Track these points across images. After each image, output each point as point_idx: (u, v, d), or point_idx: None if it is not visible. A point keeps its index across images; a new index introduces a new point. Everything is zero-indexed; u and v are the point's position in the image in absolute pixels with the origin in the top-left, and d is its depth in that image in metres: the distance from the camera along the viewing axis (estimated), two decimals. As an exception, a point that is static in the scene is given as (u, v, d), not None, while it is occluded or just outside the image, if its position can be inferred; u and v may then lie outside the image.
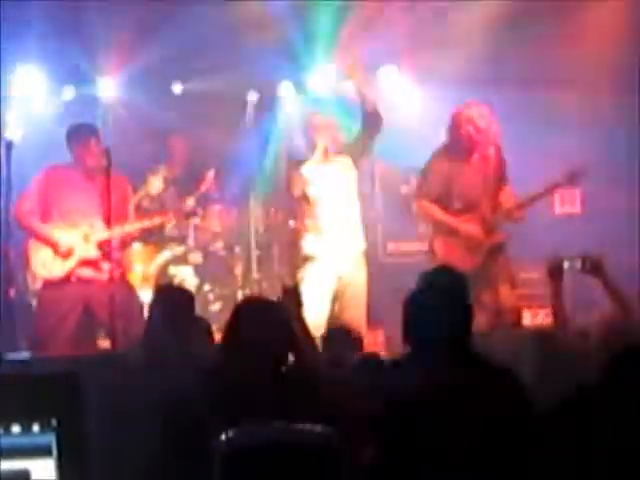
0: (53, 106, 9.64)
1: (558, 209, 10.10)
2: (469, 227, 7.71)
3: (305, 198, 7.72)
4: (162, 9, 9.13)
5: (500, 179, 7.84)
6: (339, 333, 6.02)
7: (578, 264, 5.42)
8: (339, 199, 7.73)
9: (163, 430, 4.15)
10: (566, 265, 5.42)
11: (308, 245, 7.77)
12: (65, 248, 7.63)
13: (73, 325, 7.59)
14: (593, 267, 5.44)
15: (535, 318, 9.35)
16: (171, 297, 5.30)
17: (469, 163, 7.75)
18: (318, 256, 7.68)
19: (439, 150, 7.87)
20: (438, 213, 7.76)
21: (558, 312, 5.43)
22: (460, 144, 7.73)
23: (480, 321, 7.30)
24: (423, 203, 7.80)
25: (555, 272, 5.48)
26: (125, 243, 8.10)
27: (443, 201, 7.75)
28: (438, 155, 7.87)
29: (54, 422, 3.43)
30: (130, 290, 7.92)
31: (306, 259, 7.75)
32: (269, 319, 4.25)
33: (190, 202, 9.10)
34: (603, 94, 9.24)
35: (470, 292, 5.44)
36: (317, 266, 7.67)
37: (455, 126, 7.74)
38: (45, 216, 7.70)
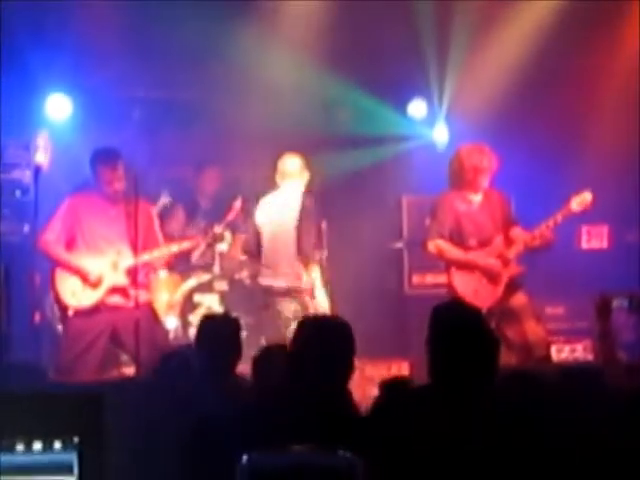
0: (82, 132, 9.66)
1: (585, 244, 10.05)
2: (488, 260, 7.68)
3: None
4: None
5: (508, 216, 7.84)
6: None
7: (625, 303, 5.31)
8: None
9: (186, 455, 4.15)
10: (615, 304, 5.31)
11: None
12: (95, 277, 7.60)
13: (100, 352, 7.60)
14: None
15: (560, 353, 9.29)
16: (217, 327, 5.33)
17: (476, 200, 7.77)
18: None
19: (446, 189, 7.89)
20: (455, 252, 7.73)
21: (607, 350, 5.30)
22: (464, 182, 7.74)
23: (507, 357, 7.29)
24: (438, 243, 7.76)
25: (603, 310, 5.35)
26: (153, 269, 8.09)
27: (456, 238, 7.74)
28: (445, 194, 7.89)
29: (76, 440, 3.41)
30: (155, 316, 7.91)
31: None
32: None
33: (218, 229, 9.09)
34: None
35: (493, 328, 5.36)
36: None
37: (458, 165, 7.75)
38: (70, 244, 7.67)
